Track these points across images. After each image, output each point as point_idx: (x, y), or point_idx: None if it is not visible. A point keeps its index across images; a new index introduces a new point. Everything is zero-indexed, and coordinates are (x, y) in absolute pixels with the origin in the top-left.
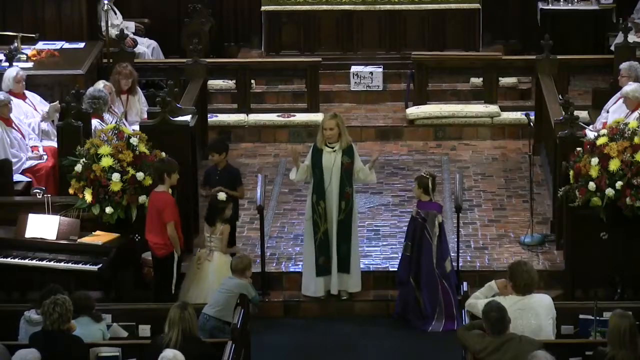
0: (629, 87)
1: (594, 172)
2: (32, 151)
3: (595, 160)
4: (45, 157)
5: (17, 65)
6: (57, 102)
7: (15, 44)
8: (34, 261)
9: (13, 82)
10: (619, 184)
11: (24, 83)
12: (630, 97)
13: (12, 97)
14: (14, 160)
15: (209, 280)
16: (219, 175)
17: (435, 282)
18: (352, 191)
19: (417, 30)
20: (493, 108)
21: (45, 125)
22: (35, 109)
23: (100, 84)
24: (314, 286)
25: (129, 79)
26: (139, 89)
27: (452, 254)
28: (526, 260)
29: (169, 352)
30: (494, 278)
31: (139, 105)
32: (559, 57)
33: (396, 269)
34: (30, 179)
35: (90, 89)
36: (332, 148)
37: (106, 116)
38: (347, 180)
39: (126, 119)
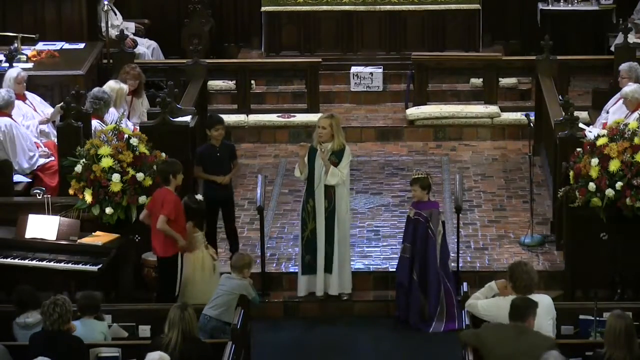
0: (629, 88)
1: (594, 173)
2: (37, 148)
3: (595, 161)
4: (52, 155)
5: (17, 66)
6: (62, 104)
7: (16, 45)
8: (34, 261)
9: (14, 83)
10: (619, 184)
11: (24, 84)
12: (629, 98)
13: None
14: (30, 153)
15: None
16: (219, 152)
17: (439, 283)
18: (335, 191)
19: (417, 30)
20: (493, 108)
21: (44, 127)
22: (35, 110)
23: (124, 88)
24: (299, 284)
25: (135, 81)
26: (144, 92)
27: (452, 254)
28: (526, 261)
29: (154, 355)
30: (494, 279)
31: (142, 108)
32: (559, 57)
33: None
34: (30, 180)
35: (95, 89)
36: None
37: (106, 117)
38: None
39: (128, 119)
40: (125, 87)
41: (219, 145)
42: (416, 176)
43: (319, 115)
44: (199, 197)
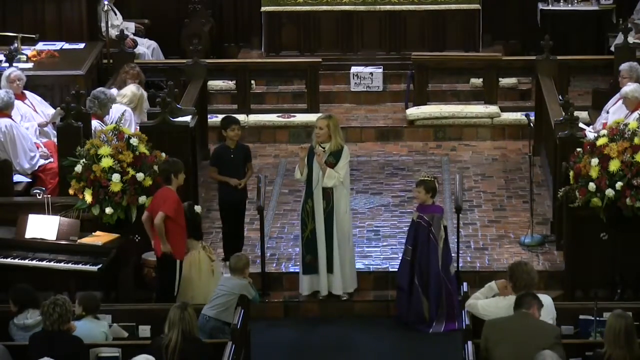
0: (628, 88)
1: (594, 173)
2: (37, 148)
3: (595, 161)
4: (51, 157)
5: (17, 66)
6: (62, 105)
7: (16, 45)
8: (34, 261)
9: (6, 82)
10: (619, 184)
11: (18, 83)
12: (629, 98)
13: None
14: (31, 154)
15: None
16: (233, 154)
17: (440, 286)
18: (333, 191)
19: (417, 30)
20: (493, 109)
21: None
22: (35, 110)
23: (145, 94)
24: (302, 284)
25: (135, 80)
26: (144, 92)
27: (452, 255)
28: (526, 261)
29: (140, 357)
30: (494, 278)
31: (142, 108)
32: (559, 57)
33: (396, 271)
34: (30, 180)
35: (98, 89)
36: (323, 148)
37: (106, 117)
38: None
39: None
40: (145, 93)
41: (234, 147)
42: (422, 178)
43: (319, 115)
44: (198, 208)
